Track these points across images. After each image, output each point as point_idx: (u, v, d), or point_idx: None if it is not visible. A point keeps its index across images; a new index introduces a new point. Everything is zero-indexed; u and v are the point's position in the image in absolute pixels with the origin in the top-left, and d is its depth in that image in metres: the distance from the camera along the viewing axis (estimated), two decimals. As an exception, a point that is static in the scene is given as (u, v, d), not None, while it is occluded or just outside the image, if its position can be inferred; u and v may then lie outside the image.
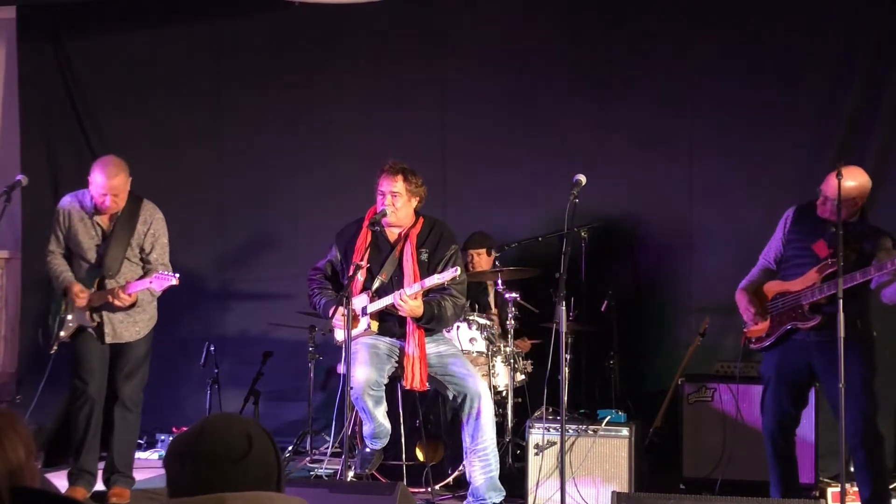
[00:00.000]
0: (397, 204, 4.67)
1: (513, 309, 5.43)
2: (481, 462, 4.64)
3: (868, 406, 4.25)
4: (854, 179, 4.26)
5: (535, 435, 4.89)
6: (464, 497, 4.77)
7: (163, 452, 6.11)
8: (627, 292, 5.96)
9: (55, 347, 4.91)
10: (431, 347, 4.69)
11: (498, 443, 4.81)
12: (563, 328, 4.20)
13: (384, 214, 4.66)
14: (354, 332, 4.59)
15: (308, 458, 5.83)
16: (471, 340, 5.34)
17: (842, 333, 3.96)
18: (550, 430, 4.82)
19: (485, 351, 5.36)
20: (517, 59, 6.32)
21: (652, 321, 6.11)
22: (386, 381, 4.66)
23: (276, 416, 6.32)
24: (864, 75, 5.71)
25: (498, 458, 4.73)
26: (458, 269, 4.55)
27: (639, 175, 6.09)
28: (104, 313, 4.88)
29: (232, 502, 1.70)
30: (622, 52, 6.19)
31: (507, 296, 5.46)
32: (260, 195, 6.67)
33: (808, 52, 5.84)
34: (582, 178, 4.30)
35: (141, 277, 4.92)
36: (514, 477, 5.06)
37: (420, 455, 5.14)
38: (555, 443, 4.75)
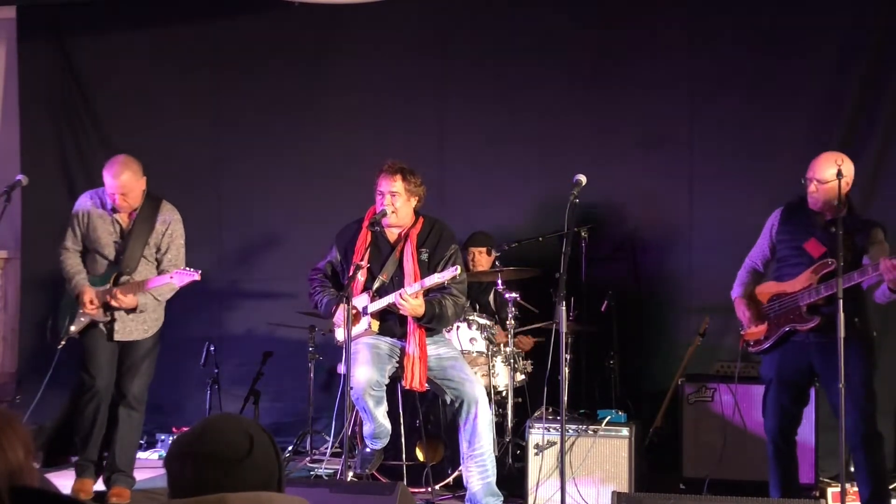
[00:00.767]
0: (397, 204, 4.66)
1: (513, 309, 5.44)
2: (478, 468, 4.62)
3: (868, 405, 4.25)
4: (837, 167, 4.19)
5: (535, 435, 4.89)
6: (464, 497, 4.76)
7: (163, 452, 6.11)
8: (627, 292, 5.96)
9: (63, 342, 4.89)
10: (431, 349, 4.67)
11: (498, 443, 4.81)
12: (563, 328, 4.20)
13: (384, 214, 4.66)
14: (355, 331, 4.58)
15: (308, 458, 5.83)
16: (471, 340, 5.34)
17: (842, 334, 3.96)
18: (550, 430, 4.81)
19: (485, 351, 5.36)
20: (517, 58, 6.31)
21: (652, 321, 6.10)
22: (387, 381, 4.65)
23: (276, 417, 6.32)
24: (864, 75, 5.72)
25: (495, 464, 4.70)
26: (459, 268, 4.54)
27: (639, 175, 6.09)
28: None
29: (233, 502, 1.70)
30: (622, 52, 6.19)
31: (507, 296, 5.46)
32: (260, 195, 6.67)
33: (809, 52, 5.84)
34: (582, 178, 4.31)
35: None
36: (514, 477, 5.06)
37: (420, 455, 5.14)
38: (555, 443, 4.75)
